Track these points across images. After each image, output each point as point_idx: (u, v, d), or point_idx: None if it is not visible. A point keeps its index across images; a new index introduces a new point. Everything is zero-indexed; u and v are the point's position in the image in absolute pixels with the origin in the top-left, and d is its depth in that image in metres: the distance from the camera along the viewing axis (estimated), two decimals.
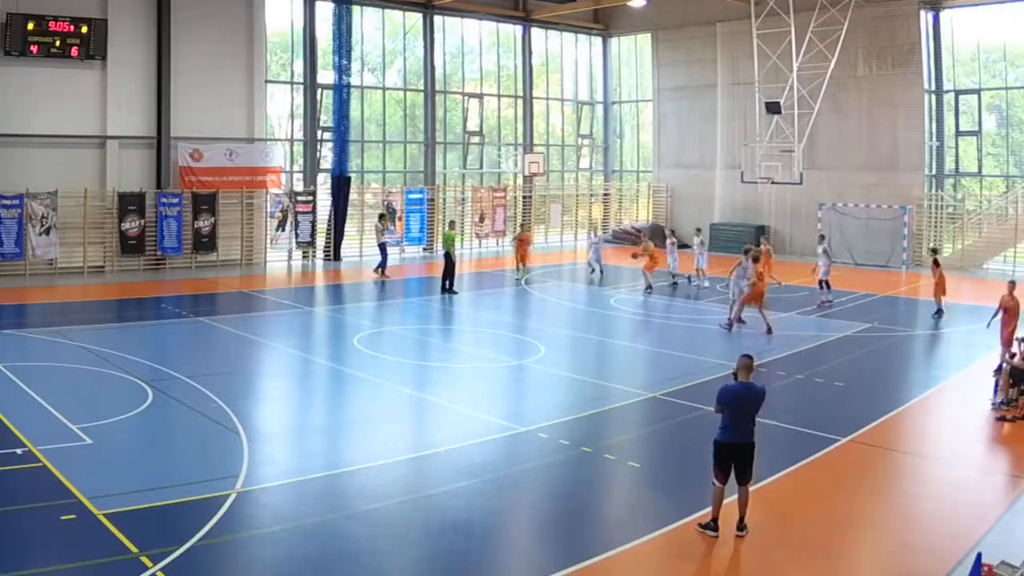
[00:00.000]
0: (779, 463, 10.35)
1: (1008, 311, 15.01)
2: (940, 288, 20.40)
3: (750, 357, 8.69)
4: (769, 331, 18.09)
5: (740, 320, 18.96)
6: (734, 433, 8.44)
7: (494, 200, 34.35)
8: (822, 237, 24.40)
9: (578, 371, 15.25)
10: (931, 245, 24.44)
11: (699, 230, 27.09)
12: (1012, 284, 15.85)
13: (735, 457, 8.44)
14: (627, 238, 36.50)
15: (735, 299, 18.99)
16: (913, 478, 10.39)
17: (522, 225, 28.77)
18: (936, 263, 20.67)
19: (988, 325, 15.36)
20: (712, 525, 8.40)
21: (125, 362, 14.49)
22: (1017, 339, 13.56)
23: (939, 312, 20.30)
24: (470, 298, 23.14)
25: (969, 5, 29.88)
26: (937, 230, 30.40)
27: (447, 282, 22.93)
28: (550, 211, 37.26)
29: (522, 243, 25.93)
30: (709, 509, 8.54)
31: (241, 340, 17.14)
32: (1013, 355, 13.20)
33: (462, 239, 32.10)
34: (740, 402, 8.49)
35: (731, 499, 8.47)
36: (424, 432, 12.06)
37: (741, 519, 8.42)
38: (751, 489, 8.57)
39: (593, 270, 26.56)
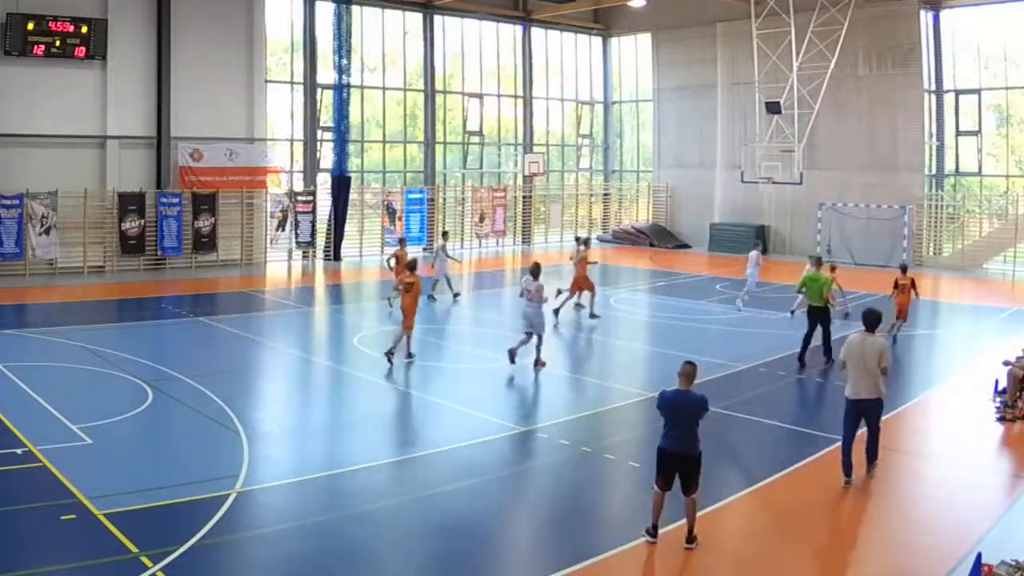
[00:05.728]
0: (779, 463, 10.37)
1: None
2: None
3: (692, 364, 8.30)
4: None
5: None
6: (676, 443, 8.10)
7: (494, 200, 34.37)
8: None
9: (578, 371, 15.24)
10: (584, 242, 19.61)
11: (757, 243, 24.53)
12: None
13: (678, 468, 8.09)
14: (628, 238, 36.55)
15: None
16: (913, 478, 10.38)
17: (401, 240, 21.97)
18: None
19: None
20: (652, 531, 8.15)
21: (125, 362, 14.49)
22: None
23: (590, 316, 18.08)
24: (470, 298, 23.12)
25: (969, 5, 29.88)
26: (937, 230, 30.41)
27: None
28: (550, 211, 37.26)
29: (398, 261, 19.29)
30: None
31: (241, 340, 17.13)
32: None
33: (462, 239, 32.35)
34: (675, 410, 8.15)
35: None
36: (424, 432, 12.06)
37: (690, 531, 8.08)
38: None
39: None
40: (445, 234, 24.58)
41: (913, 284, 17.53)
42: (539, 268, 15.38)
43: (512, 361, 14.75)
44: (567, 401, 13.51)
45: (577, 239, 21.15)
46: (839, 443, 9.92)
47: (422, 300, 17.36)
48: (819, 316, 15.59)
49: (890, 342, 17.35)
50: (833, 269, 18.45)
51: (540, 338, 14.89)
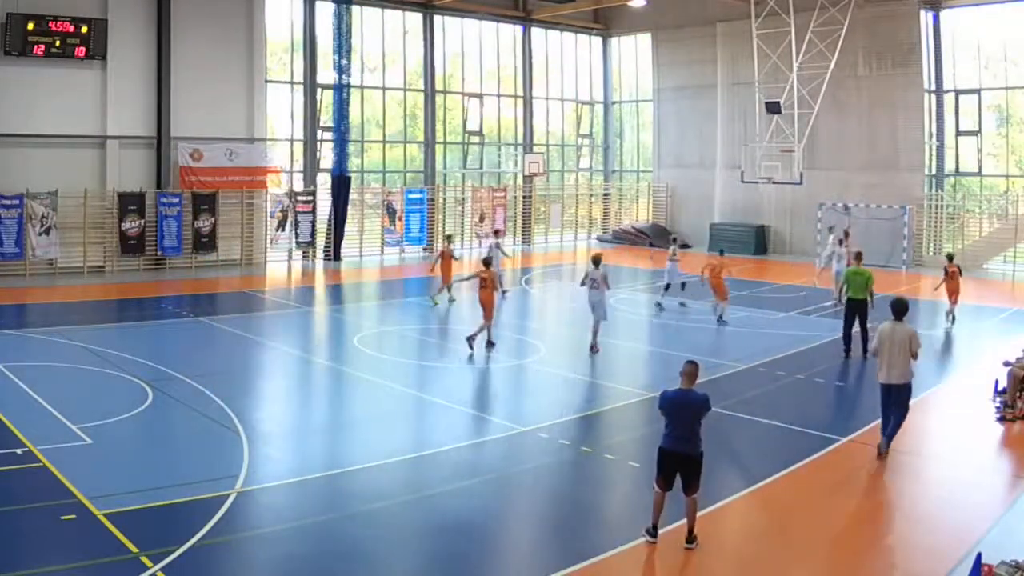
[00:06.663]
0: (779, 463, 10.37)
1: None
2: None
3: (694, 364, 8.27)
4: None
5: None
6: (677, 442, 8.10)
7: (494, 200, 34.36)
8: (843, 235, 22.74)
9: (578, 371, 15.24)
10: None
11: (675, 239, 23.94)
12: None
13: (679, 467, 8.09)
14: (627, 238, 36.53)
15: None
16: (913, 478, 10.38)
17: (448, 237, 23.83)
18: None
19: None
20: (652, 531, 8.15)
21: (125, 362, 14.49)
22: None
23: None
24: (470, 298, 23.07)
25: (969, 5, 29.88)
26: (937, 230, 30.41)
27: None
28: (550, 211, 37.26)
29: (444, 259, 21.53)
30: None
31: (241, 340, 17.12)
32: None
33: (462, 239, 32.33)
34: (676, 410, 8.15)
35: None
36: (424, 432, 12.05)
37: (690, 531, 8.06)
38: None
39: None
40: (497, 232, 25.70)
41: (959, 270, 19.78)
42: (600, 258, 16.63)
43: (595, 351, 16.02)
44: (567, 401, 13.50)
45: (674, 240, 23.01)
46: (839, 443, 10.00)
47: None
48: (858, 309, 15.89)
49: (950, 323, 19.11)
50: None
51: (598, 324, 16.18)
